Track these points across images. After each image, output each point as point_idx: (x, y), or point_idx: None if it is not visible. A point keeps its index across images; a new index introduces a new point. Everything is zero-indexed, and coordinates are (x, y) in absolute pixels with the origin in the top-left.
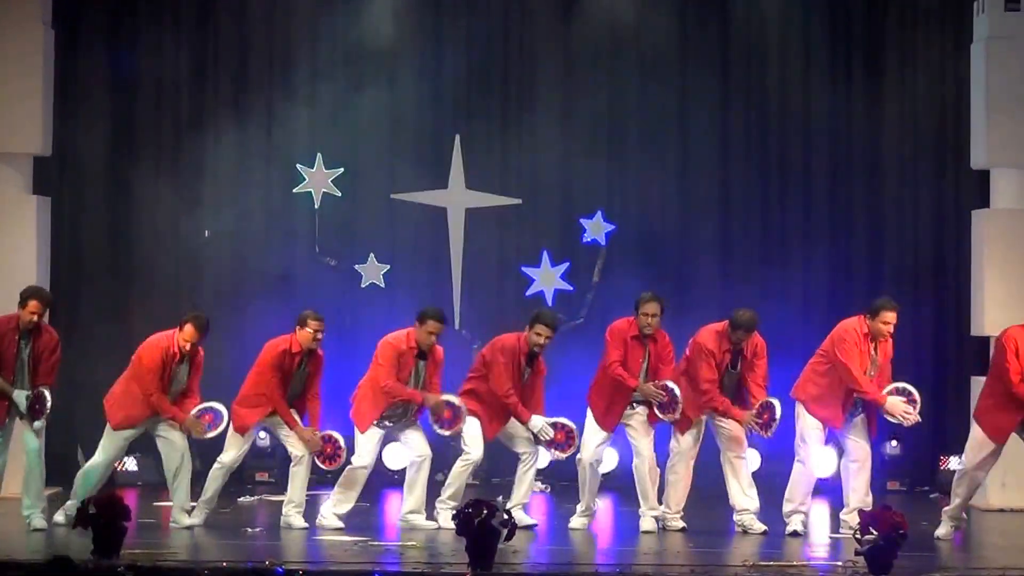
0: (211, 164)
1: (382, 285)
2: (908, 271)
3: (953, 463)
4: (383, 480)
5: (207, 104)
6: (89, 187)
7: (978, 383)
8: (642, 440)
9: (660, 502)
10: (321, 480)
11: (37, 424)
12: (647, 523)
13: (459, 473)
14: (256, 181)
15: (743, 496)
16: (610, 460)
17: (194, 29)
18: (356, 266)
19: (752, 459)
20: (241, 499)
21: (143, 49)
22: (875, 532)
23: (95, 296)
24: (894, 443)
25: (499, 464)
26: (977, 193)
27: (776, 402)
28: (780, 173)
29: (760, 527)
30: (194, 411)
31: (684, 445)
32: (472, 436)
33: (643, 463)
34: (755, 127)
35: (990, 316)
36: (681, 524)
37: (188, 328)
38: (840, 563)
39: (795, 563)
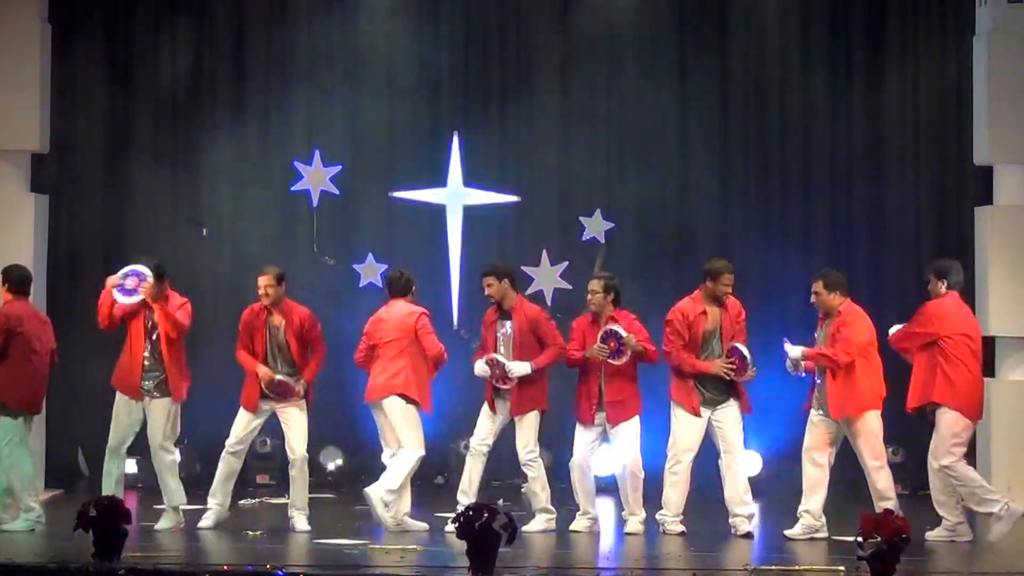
0: (209, 161)
1: (380, 284)
2: (911, 269)
3: None
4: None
5: (205, 101)
6: (87, 184)
7: (984, 384)
8: (624, 447)
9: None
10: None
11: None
12: (631, 525)
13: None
14: (254, 179)
15: (740, 502)
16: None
17: (192, 25)
18: (354, 265)
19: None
20: (242, 502)
21: (141, 45)
22: (878, 536)
23: (93, 294)
24: (896, 447)
25: (501, 468)
26: (980, 190)
27: (742, 346)
28: (780, 169)
29: (745, 528)
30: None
31: (682, 445)
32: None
33: (624, 469)
34: (754, 123)
35: (995, 314)
36: (680, 528)
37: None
38: (843, 567)
39: (796, 567)
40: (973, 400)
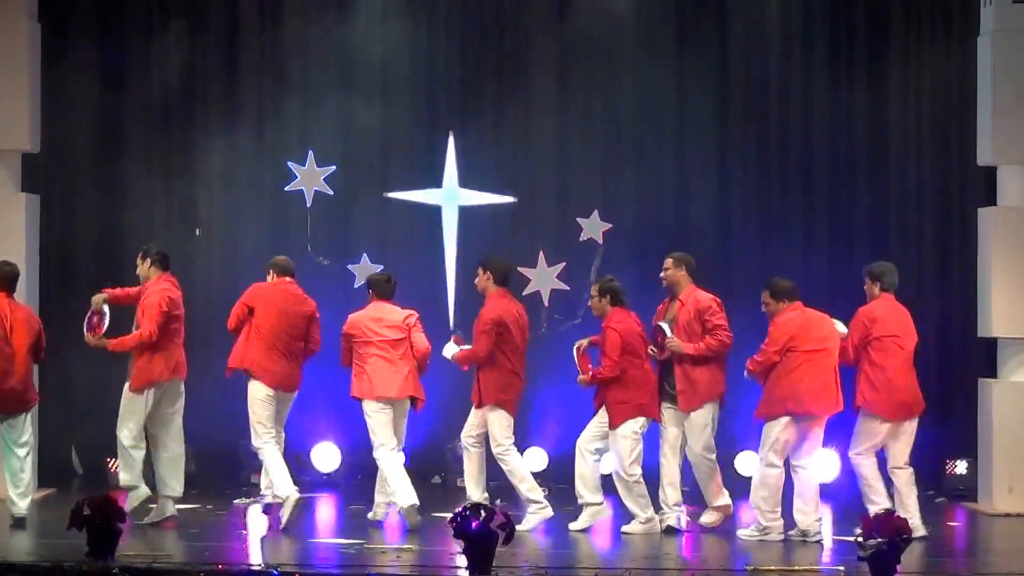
0: (201, 161)
1: None
2: (913, 270)
3: (960, 467)
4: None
5: (197, 100)
6: (78, 185)
7: (986, 385)
8: (613, 450)
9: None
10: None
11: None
12: (627, 525)
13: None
14: (247, 179)
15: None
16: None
17: (184, 23)
18: (349, 266)
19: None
20: (237, 501)
21: (132, 43)
22: (879, 537)
23: (85, 295)
24: None
25: (497, 467)
26: (983, 190)
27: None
28: (780, 170)
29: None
30: None
31: (666, 436)
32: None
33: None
34: (755, 123)
35: (998, 316)
36: (671, 523)
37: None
38: (843, 568)
39: (796, 567)
40: (891, 399)
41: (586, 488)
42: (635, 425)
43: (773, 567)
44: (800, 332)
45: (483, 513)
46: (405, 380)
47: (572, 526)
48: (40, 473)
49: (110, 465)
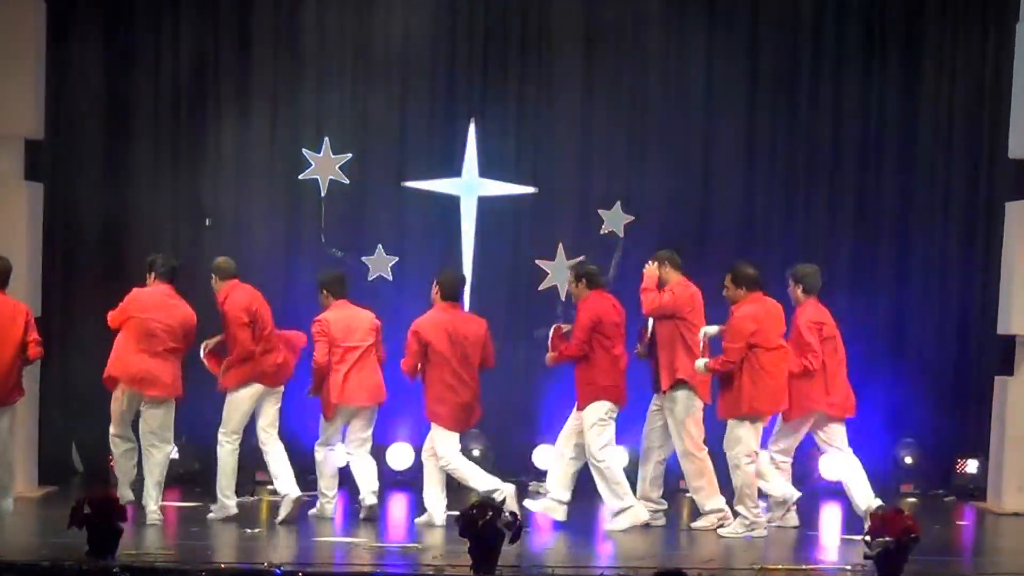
0: (212, 149)
1: (389, 278)
2: (935, 264)
3: (971, 466)
4: (386, 481)
5: (208, 86)
6: (84, 173)
7: (1002, 382)
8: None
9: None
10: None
11: None
12: (610, 523)
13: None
14: (259, 167)
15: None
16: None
17: (195, 5)
18: (363, 258)
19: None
20: (240, 499)
21: (141, 26)
22: (886, 536)
23: (89, 287)
24: (909, 444)
25: (496, 466)
26: (1013, 184)
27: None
28: (807, 162)
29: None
30: None
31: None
32: None
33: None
34: (783, 114)
35: (1019, 313)
36: (646, 518)
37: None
38: (849, 567)
39: (803, 566)
40: (845, 399)
41: (557, 484)
42: (600, 410)
43: (780, 566)
44: (762, 327)
45: (489, 512)
46: (380, 383)
47: (527, 503)
48: (40, 471)
49: (111, 463)
